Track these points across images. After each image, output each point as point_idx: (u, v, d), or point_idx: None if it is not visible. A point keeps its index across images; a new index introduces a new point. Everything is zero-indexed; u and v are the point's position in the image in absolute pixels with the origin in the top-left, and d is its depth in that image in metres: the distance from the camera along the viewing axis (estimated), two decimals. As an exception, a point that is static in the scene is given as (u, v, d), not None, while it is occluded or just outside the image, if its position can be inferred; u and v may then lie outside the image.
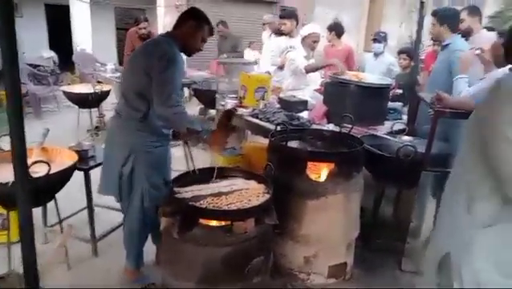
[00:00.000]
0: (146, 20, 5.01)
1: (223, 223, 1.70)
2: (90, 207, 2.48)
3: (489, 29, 3.79)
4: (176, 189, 1.84)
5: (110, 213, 2.71)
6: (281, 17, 4.23)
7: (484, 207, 1.29)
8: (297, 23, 4.10)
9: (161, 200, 1.94)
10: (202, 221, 1.71)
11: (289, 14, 4.15)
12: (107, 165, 2.16)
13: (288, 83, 3.72)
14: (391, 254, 2.59)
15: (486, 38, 2.80)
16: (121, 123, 2.08)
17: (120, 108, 2.10)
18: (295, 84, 3.67)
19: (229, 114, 2.17)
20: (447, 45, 2.86)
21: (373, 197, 2.71)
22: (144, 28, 4.89)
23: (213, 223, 1.71)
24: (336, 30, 4.61)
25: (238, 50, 5.38)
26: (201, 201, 1.77)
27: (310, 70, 3.57)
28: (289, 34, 4.04)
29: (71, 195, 2.50)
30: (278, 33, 4.50)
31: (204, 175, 2.03)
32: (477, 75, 2.57)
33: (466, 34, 3.16)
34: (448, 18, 2.86)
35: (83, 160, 2.37)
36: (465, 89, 2.51)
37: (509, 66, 1.45)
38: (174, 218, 1.73)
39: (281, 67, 3.92)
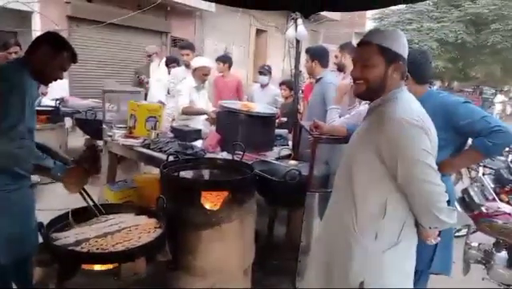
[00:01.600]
0: (17, 44, 4.47)
1: (110, 266, 1.56)
2: None
3: None
4: (53, 235, 1.63)
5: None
6: (182, 47, 4.48)
7: (388, 230, 1.43)
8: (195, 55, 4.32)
9: (27, 252, 1.69)
10: (85, 266, 1.54)
11: (189, 46, 4.45)
12: None
13: (179, 113, 3.72)
14: (285, 274, 2.71)
15: None
16: None
17: None
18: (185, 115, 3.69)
19: (91, 149, 2.00)
20: (319, 79, 3.21)
21: (267, 220, 2.84)
22: (15, 53, 4.33)
23: (98, 268, 1.56)
24: (226, 61, 4.85)
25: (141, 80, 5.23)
26: (83, 244, 1.60)
27: (188, 112, 3.64)
28: (188, 64, 4.16)
29: None
30: (174, 62, 4.62)
31: (86, 215, 1.84)
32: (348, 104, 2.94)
33: (341, 69, 3.62)
34: (318, 55, 3.22)
35: None
36: (336, 118, 2.86)
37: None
38: (51, 268, 1.52)
39: None
